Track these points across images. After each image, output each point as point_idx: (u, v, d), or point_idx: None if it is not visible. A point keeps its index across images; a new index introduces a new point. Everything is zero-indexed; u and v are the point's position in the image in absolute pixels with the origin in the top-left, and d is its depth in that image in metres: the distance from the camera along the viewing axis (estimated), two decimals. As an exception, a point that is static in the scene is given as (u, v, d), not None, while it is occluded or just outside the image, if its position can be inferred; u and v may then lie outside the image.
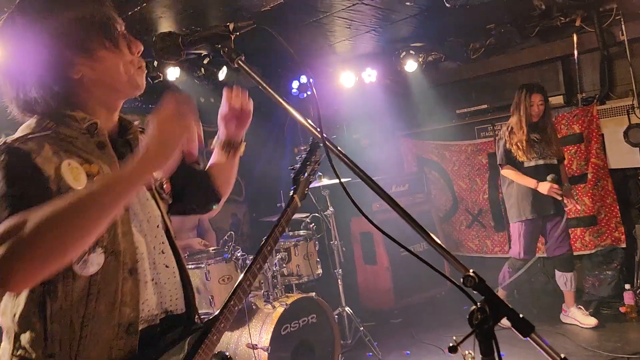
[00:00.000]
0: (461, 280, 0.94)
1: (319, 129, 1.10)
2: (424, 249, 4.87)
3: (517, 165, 3.95)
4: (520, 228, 3.99)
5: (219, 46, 1.21)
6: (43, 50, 1.12)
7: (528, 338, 0.89)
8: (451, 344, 0.93)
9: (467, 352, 2.20)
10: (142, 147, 1.06)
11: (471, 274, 0.94)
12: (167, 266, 1.27)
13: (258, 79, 1.17)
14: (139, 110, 4.61)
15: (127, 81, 1.24)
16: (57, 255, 0.94)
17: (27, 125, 1.16)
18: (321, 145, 1.06)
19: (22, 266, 0.90)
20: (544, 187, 3.78)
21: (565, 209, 3.87)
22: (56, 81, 1.14)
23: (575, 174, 4.59)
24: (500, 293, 4.06)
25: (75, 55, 1.15)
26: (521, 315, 0.91)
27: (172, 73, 4.25)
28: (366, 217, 1.11)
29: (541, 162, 3.94)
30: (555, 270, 4.06)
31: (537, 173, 3.88)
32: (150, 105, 4.63)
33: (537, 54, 4.77)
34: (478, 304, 0.92)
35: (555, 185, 3.78)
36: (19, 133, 1.14)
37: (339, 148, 1.11)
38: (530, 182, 3.85)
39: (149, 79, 4.36)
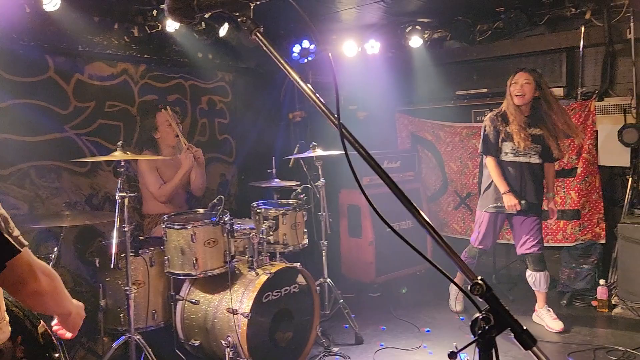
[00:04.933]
0: (469, 287, 0.93)
1: (335, 115, 1.06)
2: (410, 227, 4.90)
3: (498, 155, 3.82)
4: (483, 217, 3.94)
5: (237, 14, 1.15)
6: None
7: (530, 351, 0.89)
8: (451, 350, 0.93)
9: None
10: (74, 313, 1.50)
11: (479, 281, 0.93)
12: None
13: (276, 54, 1.12)
14: (132, 59, 4.46)
15: None
16: None
17: None
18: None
19: None
20: (508, 200, 3.71)
21: (549, 220, 3.91)
22: None
23: (566, 167, 4.63)
24: (458, 278, 3.73)
25: None
26: (525, 328, 0.91)
27: (172, 24, 4.08)
28: (366, 197, 1.09)
29: (519, 159, 3.77)
30: (526, 270, 3.94)
31: (515, 169, 3.78)
32: (145, 56, 4.48)
33: (543, 43, 4.72)
34: (483, 312, 0.92)
35: (518, 207, 3.69)
36: None
37: (353, 136, 1.07)
38: (501, 186, 3.75)
39: (146, 27, 4.20)
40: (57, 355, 1.43)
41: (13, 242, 1.22)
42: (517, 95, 3.70)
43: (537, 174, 3.83)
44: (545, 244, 4.76)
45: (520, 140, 3.67)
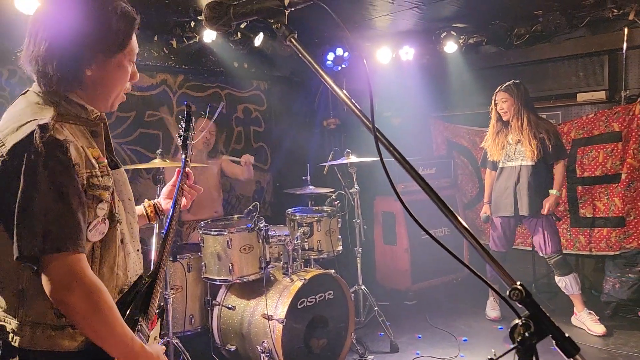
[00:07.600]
0: (507, 292, 0.91)
1: (370, 119, 1.06)
2: (445, 234, 4.83)
3: (494, 166, 4.13)
4: (495, 222, 4.14)
5: (272, 21, 1.17)
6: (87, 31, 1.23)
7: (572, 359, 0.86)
8: (489, 357, 0.91)
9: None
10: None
11: (518, 286, 0.91)
12: (134, 235, 1.41)
13: (310, 59, 1.13)
14: (171, 70, 4.59)
15: (116, 97, 1.38)
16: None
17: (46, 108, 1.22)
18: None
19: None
20: (483, 210, 4.24)
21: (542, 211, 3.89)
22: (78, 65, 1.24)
23: (609, 173, 4.47)
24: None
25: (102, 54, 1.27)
26: (567, 335, 0.88)
27: (208, 35, 4.18)
28: (402, 203, 1.08)
29: (510, 164, 3.98)
30: (554, 276, 3.99)
31: (510, 175, 3.96)
32: (183, 66, 4.60)
33: (584, 46, 4.58)
34: (522, 318, 0.89)
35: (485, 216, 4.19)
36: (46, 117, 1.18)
37: (388, 140, 1.07)
38: (485, 196, 4.25)
39: (184, 39, 4.32)
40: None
41: (36, 241, 1.08)
42: (502, 113, 3.99)
43: (533, 176, 3.89)
44: (588, 253, 4.64)
45: (508, 147, 3.99)
